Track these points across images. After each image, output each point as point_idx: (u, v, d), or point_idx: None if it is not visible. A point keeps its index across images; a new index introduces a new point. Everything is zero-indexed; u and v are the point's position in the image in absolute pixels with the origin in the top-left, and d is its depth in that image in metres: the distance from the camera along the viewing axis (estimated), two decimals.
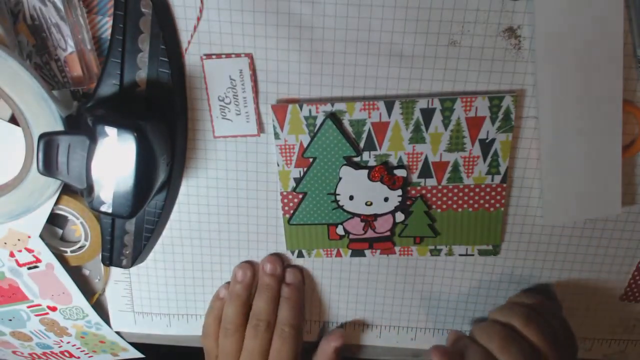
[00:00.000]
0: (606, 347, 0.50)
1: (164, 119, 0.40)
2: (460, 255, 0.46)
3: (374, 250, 0.46)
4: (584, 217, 0.43)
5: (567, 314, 0.49)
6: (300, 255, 0.47)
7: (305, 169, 0.43)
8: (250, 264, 0.47)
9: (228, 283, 0.48)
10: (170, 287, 0.50)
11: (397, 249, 0.46)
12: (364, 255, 0.47)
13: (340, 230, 0.45)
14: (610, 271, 0.46)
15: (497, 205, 0.43)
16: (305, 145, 0.42)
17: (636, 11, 0.37)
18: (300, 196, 0.44)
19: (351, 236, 0.45)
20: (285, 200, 0.44)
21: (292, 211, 0.45)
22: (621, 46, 0.38)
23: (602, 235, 0.45)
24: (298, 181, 0.43)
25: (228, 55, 0.39)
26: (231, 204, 0.45)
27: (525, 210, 0.44)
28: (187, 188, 0.45)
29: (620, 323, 0.49)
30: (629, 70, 0.39)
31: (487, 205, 0.43)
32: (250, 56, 0.39)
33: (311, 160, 0.42)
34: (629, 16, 0.37)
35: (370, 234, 0.45)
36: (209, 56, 0.39)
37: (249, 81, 0.40)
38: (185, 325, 0.52)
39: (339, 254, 0.47)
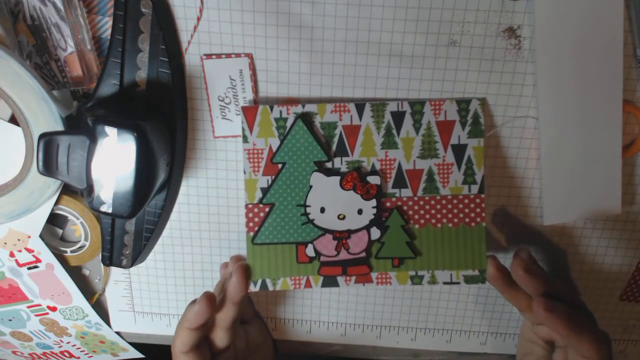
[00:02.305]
0: None
1: (164, 119, 0.40)
2: (444, 283, 0.42)
3: (348, 278, 0.42)
4: (584, 217, 0.43)
5: None
6: (264, 286, 0.42)
7: (273, 177, 0.41)
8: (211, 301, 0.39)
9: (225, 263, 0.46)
10: (170, 287, 0.50)
11: (374, 275, 0.42)
12: (337, 285, 0.42)
13: (310, 251, 0.41)
14: (610, 271, 0.46)
15: (478, 219, 0.41)
16: (274, 149, 0.40)
17: (636, 11, 0.37)
18: (267, 209, 0.41)
19: (322, 258, 0.42)
20: (250, 215, 0.41)
21: (256, 227, 0.41)
22: (621, 46, 0.38)
23: (602, 235, 0.45)
24: (265, 191, 0.41)
25: (228, 55, 0.39)
26: (231, 204, 0.45)
27: (525, 210, 0.44)
28: (187, 188, 0.45)
29: (620, 323, 0.49)
30: (629, 70, 0.39)
31: (467, 219, 0.41)
32: (250, 56, 0.39)
33: (280, 166, 0.40)
34: (629, 16, 0.37)
35: (343, 255, 0.42)
36: (209, 56, 0.39)
37: (249, 81, 0.40)
38: None
39: (308, 284, 0.42)
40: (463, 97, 0.40)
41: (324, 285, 0.42)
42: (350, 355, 0.53)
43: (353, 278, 0.42)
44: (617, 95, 0.39)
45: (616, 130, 0.40)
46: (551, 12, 0.37)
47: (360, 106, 0.40)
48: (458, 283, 0.42)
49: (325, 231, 0.41)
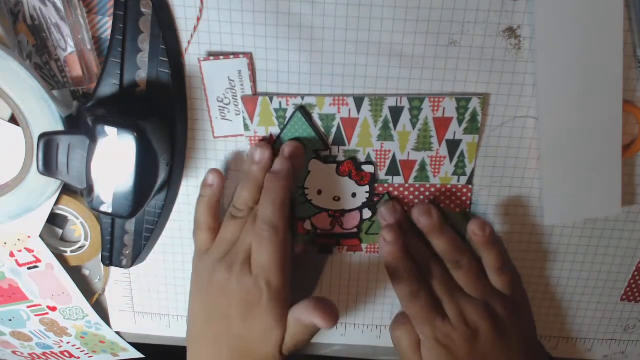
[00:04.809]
0: (606, 348, 0.50)
1: (164, 119, 0.40)
2: None
3: (341, 247, 0.46)
4: (584, 217, 0.43)
5: (567, 314, 0.49)
6: None
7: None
8: (269, 145, 0.42)
9: (214, 170, 0.43)
10: (170, 287, 0.50)
11: (363, 246, 0.46)
12: (331, 252, 0.47)
13: (307, 225, 0.45)
14: (610, 271, 0.46)
15: (463, 206, 0.44)
16: (275, 137, 0.42)
17: (636, 11, 0.37)
18: None
19: (319, 231, 0.45)
20: None
21: None
22: (621, 46, 0.38)
23: (602, 235, 0.45)
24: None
25: (226, 57, 0.39)
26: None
27: (525, 210, 0.44)
28: (187, 188, 0.45)
29: (620, 323, 0.49)
30: (629, 70, 0.39)
31: (452, 205, 0.44)
32: (249, 56, 0.39)
33: None
34: (629, 16, 0.37)
35: (337, 230, 0.45)
36: (206, 58, 0.39)
37: (248, 82, 0.40)
38: (184, 327, 0.52)
39: (306, 250, 0.46)
40: (464, 96, 0.40)
41: (319, 252, 0.46)
42: (350, 355, 0.53)
43: (345, 247, 0.46)
44: (617, 95, 0.39)
45: (616, 130, 0.40)
46: (551, 12, 0.37)
47: (359, 100, 0.40)
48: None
49: (321, 210, 0.45)
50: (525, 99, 0.40)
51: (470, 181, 0.43)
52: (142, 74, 0.39)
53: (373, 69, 0.40)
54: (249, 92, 0.41)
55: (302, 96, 0.40)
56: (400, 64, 0.39)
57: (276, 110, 0.41)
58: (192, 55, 0.40)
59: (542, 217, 0.44)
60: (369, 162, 0.42)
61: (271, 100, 0.40)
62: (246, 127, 0.42)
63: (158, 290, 0.50)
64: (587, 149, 0.40)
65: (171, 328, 0.52)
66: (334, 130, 0.41)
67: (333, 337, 0.51)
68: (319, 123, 0.41)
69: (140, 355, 0.56)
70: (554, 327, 0.49)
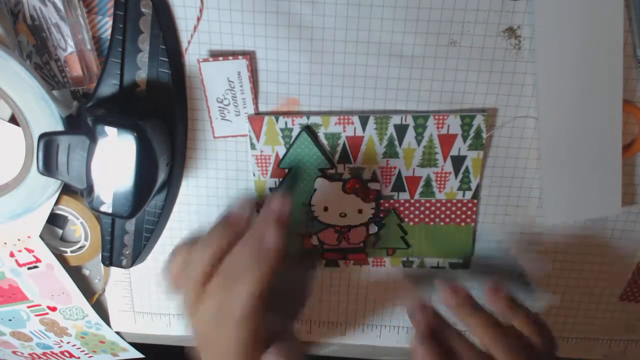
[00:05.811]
0: (606, 348, 0.50)
1: (164, 119, 0.40)
2: (432, 267, 0.46)
3: (348, 261, 0.46)
4: (584, 217, 0.43)
5: (567, 314, 0.49)
6: None
7: (280, 180, 0.43)
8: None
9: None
10: None
11: (370, 259, 0.46)
12: (338, 266, 0.47)
13: (314, 241, 0.45)
14: (610, 271, 0.46)
15: (468, 220, 0.44)
16: (281, 156, 0.42)
17: (636, 11, 0.37)
18: None
19: (325, 246, 0.46)
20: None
21: None
22: (621, 46, 0.38)
23: (602, 235, 0.45)
24: (274, 191, 0.43)
25: (225, 58, 0.39)
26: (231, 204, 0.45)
27: (525, 210, 0.44)
28: (187, 188, 0.45)
29: (620, 323, 0.49)
30: (629, 70, 0.39)
31: (458, 220, 0.44)
32: (248, 57, 0.39)
33: (287, 171, 0.42)
34: (629, 16, 0.37)
35: (344, 244, 0.45)
36: (206, 59, 0.39)
37: (247, 82, 0.40)
38: (185, 325, 0.52)
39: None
40: (468, 113, 0.40)
41: (326, 266, 0.47)
42: (350, 355, 0.53)
43: (352, 262, 0.47)
44: (617, 95, 0.39)
45: (616, 130, 0.40)
46: (551, 12, 0.37)
47: (364, 118, 0.40)
48: (444, 268, 0.46)
49: (328, 226, 0.45)
50: (525, 99, 0.40)
51: (475, 196, 0.43)
52: (142, 74, 0.39)
53: (373, 69, 0.40)
54: (248, 92, 0.41)
55: (308, 115, 0.40)
56: (400, 64, 0.39)
57: (282, 130, 0.41)
58: (192, 55, 0.40)
59: (542, 217, 0.43)
60: (374, 179, 0.43)
61: (277, 120, 0.41)
62: (252, 146, 0.42)
63: (158, 290, 0.50)
64: (587, 149, 0.40)
65: (171, 327, 0.52)
66: (339, 148, 0.42)
67: (333, 337, 0.51)
68: (325, 142, 0.41)
69: (140, 355, 0.56)
70: (554, 327, 0.49)
